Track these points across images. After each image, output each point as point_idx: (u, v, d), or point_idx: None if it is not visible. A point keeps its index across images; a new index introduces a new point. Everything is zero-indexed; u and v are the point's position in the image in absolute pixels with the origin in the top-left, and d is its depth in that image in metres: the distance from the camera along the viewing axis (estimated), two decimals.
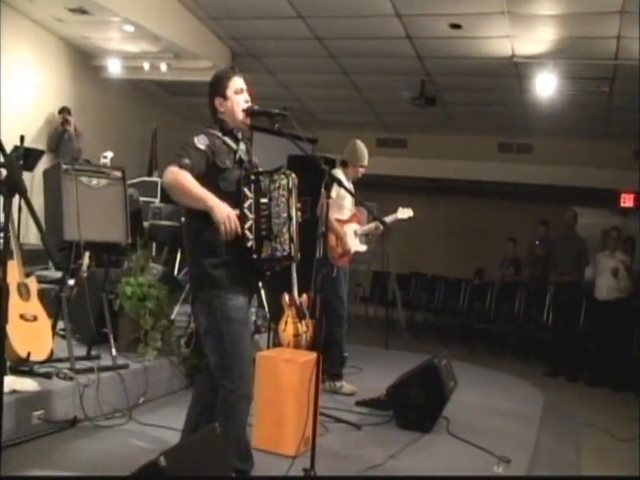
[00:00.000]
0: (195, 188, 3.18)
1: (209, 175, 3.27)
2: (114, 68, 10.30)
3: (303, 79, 10.48)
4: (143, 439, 3.81)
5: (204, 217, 3.22)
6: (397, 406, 5.07)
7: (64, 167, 4.63)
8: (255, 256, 3.26)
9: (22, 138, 6.35)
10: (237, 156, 3.37)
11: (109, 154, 7.00)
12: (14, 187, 2.00)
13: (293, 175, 3.38)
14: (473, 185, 12.61)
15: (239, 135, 3.47)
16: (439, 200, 13.62)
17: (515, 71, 8.82)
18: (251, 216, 3.26)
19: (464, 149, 12.07)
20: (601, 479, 3.94)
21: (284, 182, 3.31)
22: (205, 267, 3.33)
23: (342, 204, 5.88)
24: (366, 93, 10.75)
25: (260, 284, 3.55)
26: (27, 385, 3.98)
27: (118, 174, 4.99)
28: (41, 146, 8.85)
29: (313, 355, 4.43)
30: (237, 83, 3.44)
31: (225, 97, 3.41)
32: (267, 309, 7.10)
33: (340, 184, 3.78)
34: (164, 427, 4.36)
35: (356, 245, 6.01)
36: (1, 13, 8.05)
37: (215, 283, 3.32)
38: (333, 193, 5.67)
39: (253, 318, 6.75)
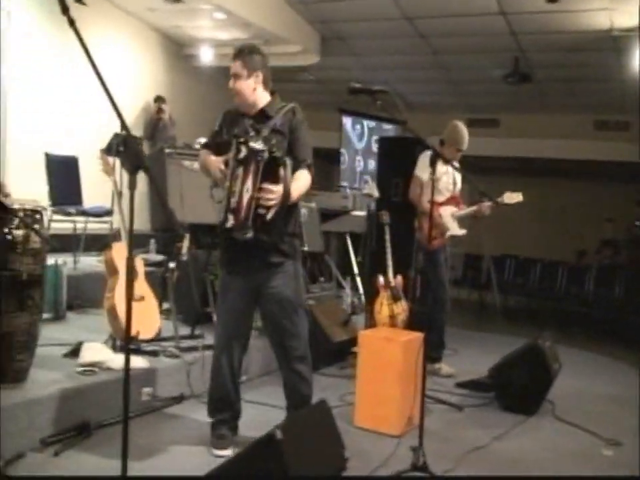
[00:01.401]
0: (201, 159, 3.60)
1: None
2: (205, 56, 10.47)
3: (391, 60, 10.39)
4: (246, 415, 3.87)
5: None
6: (500, 388, 4.98)
7: (167, 151, 4.73)
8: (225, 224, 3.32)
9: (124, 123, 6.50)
10: (235, 130, 3.45)
11: (202, 139, 7.11)
12: (137, 163, 2.04)
13: (252, 143, 3.29)
14: (568, 165, 12.23)
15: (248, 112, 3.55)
16: (532, 180, 13.23)
17: (613, 44, 8.47)
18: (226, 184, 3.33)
19: (558, 128, 11.72)
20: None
21: (233, 151, 3.29)
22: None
23: (437, 186, 5.78)
24: (456, 72, 10.57)
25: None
26: (137, 362, 4.10)
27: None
28: (138, 134, 9.10)
29: (415, 335, 4.43)
30: (232, 69, 3.53)
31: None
32: (361, 290, 7.13)
33: (447, 161, 3.69)
34: (266, 405, 4.42)
35: (453, 229, 5.90)
36: (98, 6, 8.29)
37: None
38: (425, 174, 5.60)
39: (349, 299, 6.78)
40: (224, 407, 3.69)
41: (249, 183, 3.23)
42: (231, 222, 3.24)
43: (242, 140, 3.26)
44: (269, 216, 3.28)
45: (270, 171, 3.24)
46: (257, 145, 3.25)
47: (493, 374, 5.06)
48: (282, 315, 3.56)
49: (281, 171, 3.28)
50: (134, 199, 2.14)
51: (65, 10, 1.98)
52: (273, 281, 3.52)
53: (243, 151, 3.23)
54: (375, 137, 11.74)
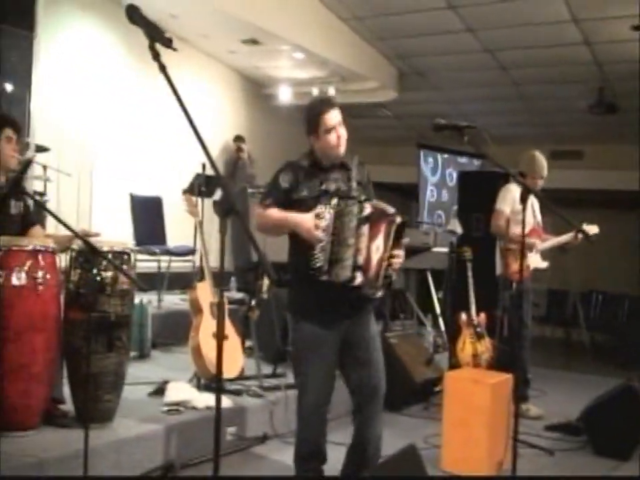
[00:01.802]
0: (275, 215, 3.27)
1: (289, 206, 3.28)
2: (284, 95, 10.63)
3: (470, 93, 10.33)
4: (331, 458, 3.80)
5: (294, 238, 3.31)
6: (592, 431, 4.77)
7: (250, 190, 4.78)
8: (323, 277, 3.17)
9: (204, 166, 6.64)
10: (323, 186, 3.30)
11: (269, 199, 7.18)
12: (229, 207, 2.04)
13: (376, 202, 3.25)
14: None
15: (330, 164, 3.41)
16: (618, 213, 12.86)
17: None
18: (325, 237, 3.17)
19: None
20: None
21: (355, 209, 3.21)
22: (291, 285, 3.44)
23: (517, 219, 5.66)
24: (538, 104, 10.43)
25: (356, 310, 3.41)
26: (221, 402, 4.09)
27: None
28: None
29: (504, 376, 4.30)
30: (329, 119, 3.31)
31: (317, 136, 3.33)
32: (443, 328, 7.00)
33: (536, 195, 3.60)
34: (343, 445, 4.29)
35: (536, 262, 5.75)
36: (180, 50, 8.53)
37: (295, 308, 3.42)
38: (507, 208, 5.52)
39: (431, 337, 6.67)
40: (311, 457, 3.59)
41: (379, 242, 3.21)
42: (359, 279, 3.17)
43: (361, 199, 3.24)
44: (393, 277, 3.29)
45: (398, 234, 3.25)
46: (389, 207, 3.27)
47: (584, 417, 4.86)
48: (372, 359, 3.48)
49: (403, 236, 3.29)
50: (224, 243, 2.14)
51: (156, 56, 2.01)
52: (363, 327, 3.44)
53: (368, 209, 3.21)
54: (448, 170, 11.66)
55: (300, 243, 3.24)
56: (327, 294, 3.23)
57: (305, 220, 3.19)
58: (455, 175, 11.81)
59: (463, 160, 11.88)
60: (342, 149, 3.36)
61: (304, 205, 3.26)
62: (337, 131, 3.32)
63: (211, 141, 9.35)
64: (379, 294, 3.25)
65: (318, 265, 3.17)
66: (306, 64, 9.40)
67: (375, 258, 3.20)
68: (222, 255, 2.12)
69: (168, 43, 2.05)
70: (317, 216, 3.19)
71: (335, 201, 3.20)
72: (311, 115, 3.36)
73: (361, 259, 3.17)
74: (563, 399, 6.20)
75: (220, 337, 2.01)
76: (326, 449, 3.66)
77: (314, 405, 3.40)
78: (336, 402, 4.64)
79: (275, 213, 3.27)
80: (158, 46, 2.04)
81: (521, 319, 5.56)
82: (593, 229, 5.68)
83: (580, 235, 5.46)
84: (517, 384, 5.48)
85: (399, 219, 3.24)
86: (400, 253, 3.26)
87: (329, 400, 3.44)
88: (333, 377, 3.43)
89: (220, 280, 2.18)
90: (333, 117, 3.31)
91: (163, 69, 2.02)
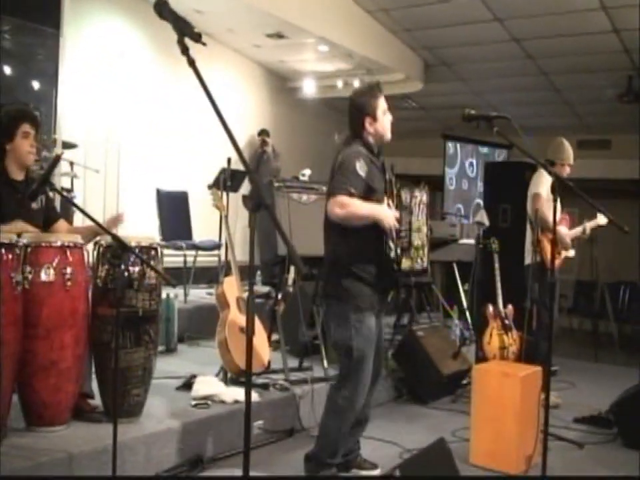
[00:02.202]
0: (363, 208, 3.30)
1: (364, 196, 3.34)
2: (308, 88, 10.62)
3: (497, 84, 10.23)
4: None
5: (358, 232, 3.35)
6: (622, 424, 4.71)
7: (276, 184, 4.78)
8: (396, 267, 3.24)
9: (229, 160, 6.65)
10: (386, 176, 3.41)
11: (307, 171, 7.17)
12: (259, 201, 2.03)
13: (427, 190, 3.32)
14: None
15: (376, 150, 3.50)
16: None
17: None
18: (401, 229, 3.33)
19: None
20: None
21: (424, 197, 3.25)
22: (343, 280, 3.40)
23: (549, 206, 5.61)
24: (565, 93, 10.29)
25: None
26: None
27: (326, 188, 5.07)
28: (243, 167, 9.28)
29: (533, 369, 4.26)
30: (384, 102, 3.45)
31: (374, 118, 3.41)
32: (470, 320, 6.96)
33: (567, 186, 3.53)
34: (373, 439, 4.32)
35: (564, 250, 5.71)
36: (208, 46, 8.54)
37: (350, 296, 3.39)
38: (545, 192, 5.47)
39: (457, 330, 6.63)
40: (344, 451, 3.66)
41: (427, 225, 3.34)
42: (426, 264, 3.34)
43: (426, 189, 3.37)
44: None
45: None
46: (423, 196, 3.39)
47: (613, 409, 4.80)
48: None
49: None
50: (254, 237, 2.12)
51: (184, 50, 2.00)
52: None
53: (425, 199, 3.30)
54: (469, 160, 11.60)
55: (368, 234, 3.32)
56: (381, 282, 3.36)
57: (389, 213, 3.32)
58: (475, 165, 11.77)
59: (485, 150, 11.82)
60: (388, 135, 3.48)
61: (375, 195, 3.35)
62: (389, 115, 3.45)
63: (236, 134, 9.38)
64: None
65: (392, 255, 3.31)
66: (331, 57, 9.35)
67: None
68: (252, 248, 2.11)
69: (197, 37, 2.05)
70: (388, 206, 3.34)
71: (396, 190, 3.38)
72: (366, 96, 3.45)
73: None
74: (591, 391, 6.12)
75: (250, 331, 2.00)
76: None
77: (361, 402, 3.49)
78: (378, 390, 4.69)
79: (362, 203, 3.30)
80: (187, 40, 2.04)
81: (552, 309, 5.54)
82: (601, 220, 5.66)
83: (600, 222, 5.45)
84: (548, 375, 5.46)
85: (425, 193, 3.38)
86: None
87: None
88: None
89: (249, 274, 2.16)
90: (385, 101, 3.46)
91: (191, 63, 2.02)
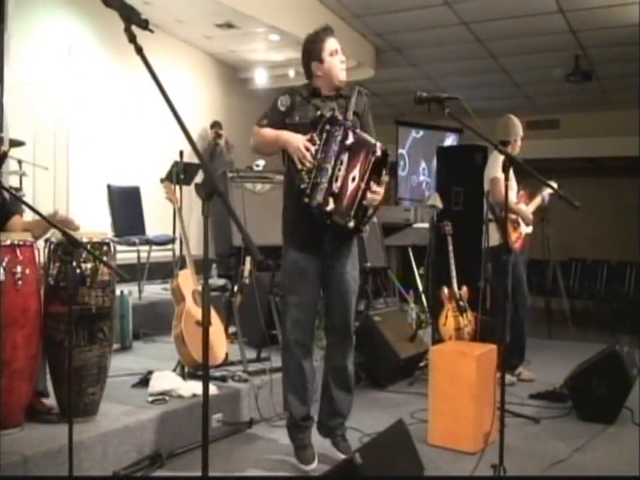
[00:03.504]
0: (269, 133, 3.42)
1: (286, 129, 3.40)
2: (260, 79, 10.56)
3: (448, 68, 10.32)
4: (317, 436, 3.82)
5: (287, 166, 3.45)
6: (577, 397, 4.81)
7: (229, 175, 4.76)
8: (306, 200, 3.24)
9: (181, 153, 6.58)
10: (318, 112, 3.37)
11: (261, 162, 7.14)
12: (212, 189, 2.02)
13: (359, 133, 3.26)
14: (633, 163, 11.87)
15: (330, 94, 3.49)
16: (595, 181, 12.91)
17: None
18: (312, 160, 3.27)
19: (622, 125, 11.37)
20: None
21: (337, 133, 3.23)
22: (283, 220, 3.60)
23: (511, 185, 5.68)
24: (514, 75, 10.43)
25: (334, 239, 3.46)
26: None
27: (280, 177, 5.06)
28: (195, 160, 9.21)
29: (489, 347, 4.32)
30: (332, 44, 3.46)
31: (321, 60, 3.44)
32: (426, 304, 7.02)
33: (519, 164, 3.57)
34: None
35: (524, 228, 5.79)
36: (151, 34, 8.42)
37: (284, 235, 3.57)
38: (500, 175, 5.51)
39: (413, 313, 6.68)
40: (308, 415, 3.69)
41: (356, 172, 3.24)
42: (331, 205, 3.22)
43: (349, 125, 3.28)
44: (370, 212, 3.32)
45: (377, 168, 3.26)
46: (370, 138, 3.29)
47: (569, 383, 4.89)
48: (349, 299, 3.57)
49: (384, 172, 3.31)
50: (208, 226, 2.11)
51: (132, 39, 1.99)
52: (342, 263, 3.52)
53: (351, 138, 3.21)
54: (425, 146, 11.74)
55: (291, 167, 3.37)
56: (310, 220, 3.32)
57: (295, 138, 3.32)
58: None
59: (439, 135, 11.95)
60: (344, 73, 3.48)
61: (296, 130, 3.36)
62: (339, 56, 3.45)
63: (188, 127, 9.38)
64: (351, 224, 3.27)
65: (302, 186, 3.26)
66: (282, 46, 9.32)
67: (350, 187, 3.24)
68: (205, 238, 2.10)
69: (144, 25, 2.04)
70: (310, 140, 3.29)
71: (327, 126, 3.27)
72: (312, 42, 3.49)
73: (336, 186, 3.21)
74: (546, 367, 6.24)
75: (205, 323, 1.99)
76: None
77: (300, 336, 3.53)
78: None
79: (270, 131, 3.41)
80: (134, 28, 2.02)
81: (521, 286, 5.66)
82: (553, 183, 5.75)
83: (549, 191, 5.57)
84: (515, 350, 5.58)
85: (379, 151, 3.26)
86: (379, 189, 3.29)
87: (312, 334, 3.62)
88: (315, 310, 3.59)
89: (204, 263, 2.15)
90: (335, 42, 3.47)
91: (139, 51, 2.01)
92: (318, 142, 3.28)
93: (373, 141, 3.29)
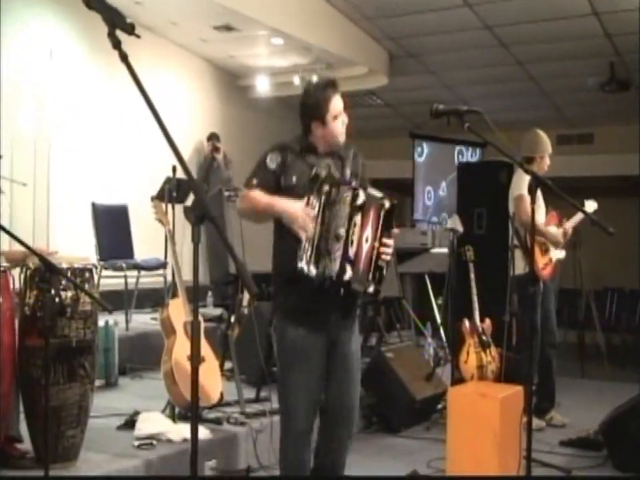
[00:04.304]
0: (259, 200, 3.29)
1: (279, 193, 3.30)
2: (262, 86, 10.58)
3: (469, 75, 10.34)
4: None
5: (279, 231, 3.36)
6: (613, 444, 4.77)
7: (226, 193, 4.76)
8: (313, 271, 3.15)
9: (174, 168, 6.60)
10: (314, 172, 3.28)
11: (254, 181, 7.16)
12: (202, 213, 2.02)
13: (368, 190, 3.25)
14: None
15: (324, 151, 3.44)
16: (633, 202, 12.89)
17: None
18: (311, 228, 3.18)
19: None
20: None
21: (347, 196, 3.20)
22: (275, 290, 3.48)
23: (538, 204, 5.67)
24: (543, 83, 10.44)
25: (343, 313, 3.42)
26: (199, 433, 4.02)
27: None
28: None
29: (514, 388, 4.29)
30: (337, 105, 3.39)
31: (323, 122, 3.36)
32: (445, 338, 6.99)
33: (546, 185, 3.57)
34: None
35: (556, 252, 5.77)
36: (143, 39, 8.49)
37: (279, 312, 3.45)
38: (526, 193, 5.50)
39: (431, 350, 6.66)
40: None
41: (368, 232, 3.21)
42: (349, 273, 3.15)
43: (355, 185, 3.23)
44: (385, 270, 3.28)
45: (387, 221, 3.26)
46: (376, 193, 3.27)
47: (604, 428, 4.85)
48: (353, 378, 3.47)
49: (394, 223, 3.31)
50: (198, 254, 2.11)
51: (117, 44, 1.99)
52: (348, 339, 3.44)
53: (361, 197, 3.20)
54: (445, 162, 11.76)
55: (286, 235, 3.25)
56: (313, 293, 3.22)
57: (294, 208, 3.20)
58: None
59: (461, 150, 11.97)
60: (344, 136, 3.42)
61: (293, 193, 3.27)
62: (342, 117, 3.39)
63: (181, 140, 9.35)
64: (371, 289, 3.25)
65: (305, 257, 3.17)
66: (286, 50, 9.35)
67: (365, 249, 3.21)
68: (195, 266, 2.11)
69: (129, 29, 2.03)
70: (307, 204, 3.20)
71: (326, 187, 3.20)
72: (317, 98, 3.39)
73: (351, 252, 3.17)
74: (579, 409, 6.19)
75: (195, 360, 1.98)
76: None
77: (305, 417, 3.37)
78: None
79: (261, 195, 3.28)
80: (118, 33, 2.02)
81: (548, 320, 5.64)
82: (591, 205, 5.73)
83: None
84: (543, 393, 5.55)
85: (387, 203, 3.25)
86: (390, 242, 3.27)
87: (314, 419, 3.43)
88: (320, 391, 3.41)
89: (194, 295, 2.15)
90: (340, 101, 3.40)
91: (124, 58, 2.00)
92: (317, 205, 3.20)
93: (379, 194, 3.27)
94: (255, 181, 3.31)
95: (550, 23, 8.30)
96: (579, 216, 5.73)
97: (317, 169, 3.28)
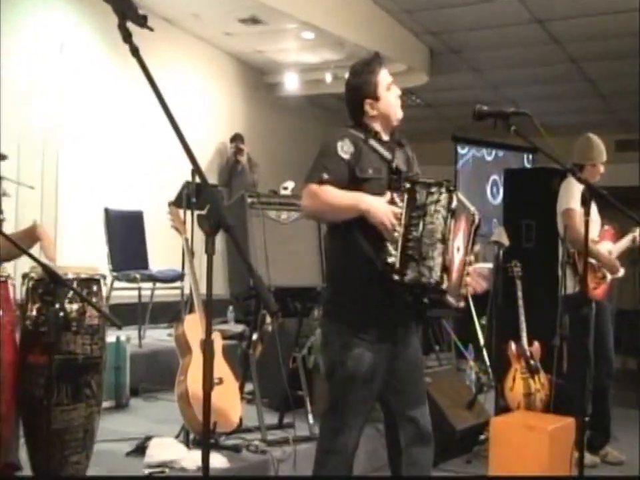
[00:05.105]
0: (340, 197, 3.18)
1: (351, 186, 3.22)
2: (291, 84, 10.63)
3: (517, 75, 10.33)
4: None
5: (346, 231, 3.25)
6: None
7: (249, 200, 4.73)
8: (396, 277, 3.11)
9: (193, 173, 6.61)
10: (394, 165, 3.29)
11: (290, 184, 7.10)
12: (218, 222, 1.99)
13: (459, 194, 3.19)
14: None
15: (388, 139, 3.41)
16: None
17: None
18: (398, 229, 3.14)
19: None
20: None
21: (443, 198, 3.14)
22: (333, 298, 3.37)
23: (590, 219, 5.58)
24: (600, 84, 10.40)
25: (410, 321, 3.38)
26: (215, 461, 4.04)
27: None
28: (212, 180, 9.25)
29: (565, 420, 4.23)
30: (386, 76, 3.39)
31: (376, 97, 3.34)
32: (488, 362, 6.91)
33: (601, 196, 3.52)
34: None
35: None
36: (163, 33, 8.55)
37: (338, 318, 3.33)
38: (578, 206, 5.43)
39: (473, 375, 6.59)
40: None
41: (460, 242, 3.19)
42: (446, 284, 3.11)
43: (452, 187, 3.19)
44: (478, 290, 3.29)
45: (474, 236, 3.25)
46: (467, 201, 3.25)
47: None
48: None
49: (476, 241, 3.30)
50: (212, 265, 2.09)
51: (127, 37, 2.01)
52: (412, 345, 3.44)
53: (455, 200, 3.16)
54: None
55: (358, 236, 3.21)
56: (384, 302, 3.21)
57: (381, 205, 3.16)
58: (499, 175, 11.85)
59: (504, 155, 11.93)
60: (401, 111, 3.42)
61: (368, 187, 3.22)
62: (395, 89, 3.40)
63: (203, 141, 9.47)
64: (462, 304, 3.23)
65: (389, 260, 3.14)
66: (316, 45, 9.41)
67: (457, 260, 3.19)
68: (209, 280, 2.09)
69: (141, 21, 2.05)
70: (392, 203, 3.18)
71: (408, 185, 3.19)
72: (361, 75, 3.37)
73: (447, 260, 3.12)
74: (637, 446, 6.07)
75: (208, 383, 1.95)
76: None
77: (352, 444, 3.34)
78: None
79: (337, 192, 3.18)
80: (130, 25, 2.04)
81: (604, 345, 5.55)
82: None
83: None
84: (597, 426, 5.46)
85: (477, 217, 3.24)
86: (473, 258, 3.26)
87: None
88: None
89: (207, 312, 2.14)
90: (388, 74, 3.40)
91: (135, 52, 2.03)
92: (401, 203, 3.18)
93: (468, 204, 3.25)
94: (325, 175, 3.18)
95: (607, 17, 8.25)
96: (635, 233, 5.65)
97: (397, 163, 3.29)
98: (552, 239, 5.87)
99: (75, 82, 7.95)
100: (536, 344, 5.92)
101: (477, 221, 3.22)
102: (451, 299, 3.15)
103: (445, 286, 3.08)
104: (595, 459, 5.46)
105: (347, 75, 9.30)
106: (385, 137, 3.39)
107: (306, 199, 3.23)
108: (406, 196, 3.17)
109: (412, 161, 3.47)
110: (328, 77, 10.13)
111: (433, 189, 3.16)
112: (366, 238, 3.19)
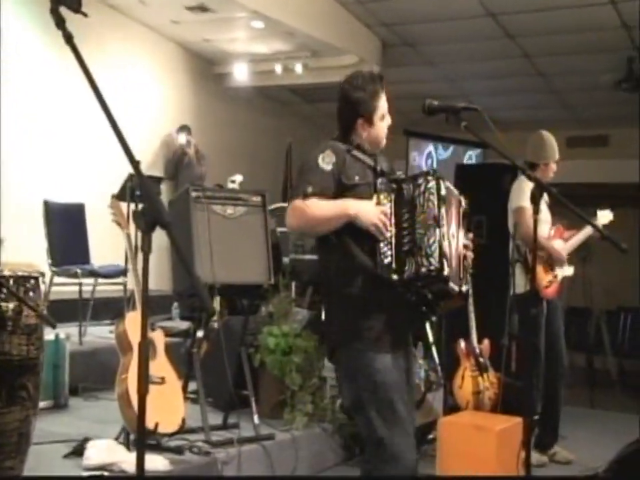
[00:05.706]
0: (328, 208, 3.19)
1: (339, 195, 3.24)
2: (240, 74, 10.60)
3: (471, 68, 10.42)
4: None
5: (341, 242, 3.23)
6: None
7: (193, 194, 4.69)
8: (395, 276, 3.12)
9: (137, 164, 6.56)
10: (378, 168, 3.31)
11: (238, 177, 7.11)
12: (154, 219, 1.96)
13: (446, 181, 3.23)
14: None
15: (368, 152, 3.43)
16: None
17: None
18: (390, 228, 3.17)
19: None
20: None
21: (432, 185, 3.17)
22: (345, 313, 3.28)
23: (540, 218, 5.64)
24: (553, 79, 10.53)
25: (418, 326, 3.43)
26: (157, 463, 4.02)
27: (257, 199, 5.03)
28: (158, 173, 9.18)
29: (513, 420, 4.27)
30: (384, 103, 3.39)
31: (370, 122, 3.36)
32: (437, 360, 6.96)
33: (551, 193, 3.57)
34: None
35: (563, 269, 5.75)
36: (109, 20, 8.46)
37: (359, 334, 3.23)
38: (529, 204, 5.48)
39: (422, 372, 6.62)
40: None
41: (453, 228, 3.23)
42: (447, 269, 3.11)
43: (439, 175, 3.22)
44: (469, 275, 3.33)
45: (464, 221, 3.32)
46: (454, 188, 3.31)
47: (615, 467, 4.82)
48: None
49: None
50: (148, 263, 2.06)
51: (60, 23, 1.99)
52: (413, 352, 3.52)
53: (443, 187, 3.17)
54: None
55: (355, 240, 3.20)
56: (400, 304, 3.22)
57: (368, 208, 3.18)
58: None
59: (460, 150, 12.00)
60: (385, 141, 3.45)
61: (355, 193, 3.23)
62: (388, 119, 3.41)
63: (149, 132, 9.39)
64: (465, 287, 3.26)
65: (386, 261, 3.14)
66: (266, 35, 9.39)
67: (454, 246, 3.22)
68: (145, 277, 2.09)
69: (75, 6, 2.03)
70: (378, 204, 3.20)
71: (394, 185, 3.22)
72: (365, 93, 3.36)
73: (445, 246, 3.14)
74: (586, 444, 6.19)
75: (142, 383, 1.93)
76: None
77: (413, 461, 3.30)
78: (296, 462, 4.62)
79: (322, 202, 3.18)
80: (63, 10, 2.02)
81: (560, 344, 5.70)
82: (605, 216, 5.69)
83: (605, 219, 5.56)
84: (547, 426, 5.53)
85: (464, 201, 3.32)
86: (470, 243, 3.33)
87: None
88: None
89: (142, 310, 2.13)
90: (386, 100, 3.40)
91: (69, 39, 2.01)
92: (388, 203, 3.20)
93: (455, 190, 3.32)
94: (309, 189, 3.18)
95: (561, 12, 8.35)
96: (587, 230, 5.70)
97: (381, 166, 3.32)
98: (503, 236, 5.93)
99: (12, 70, 7.80)
100: (485, 341, 5.95)
101: (463, 203, 3.30)
102: (452, 286, 3.17)
103: (446, 272, 3.09)
104: (543, 459, 5.53)
105: (297, 66, 9.25)
106: (367, 150, 3.38)
107: (291, 217, 3.24)
108: (393, 195, 3.21)
109: (393, 167, 3.50)
110: (278, 68, 10.11)
111: (420, 180, 3.20)
112: (359, 245, 3.20)
